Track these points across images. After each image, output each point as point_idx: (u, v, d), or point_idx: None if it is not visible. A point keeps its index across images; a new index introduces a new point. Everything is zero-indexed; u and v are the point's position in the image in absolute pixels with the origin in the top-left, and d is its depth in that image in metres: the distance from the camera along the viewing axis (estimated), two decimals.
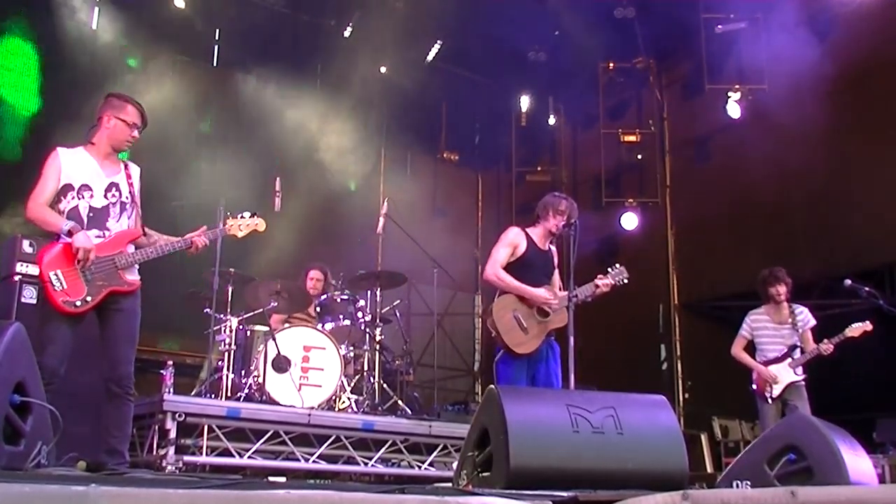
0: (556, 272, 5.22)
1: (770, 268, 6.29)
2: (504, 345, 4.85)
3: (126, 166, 4.24)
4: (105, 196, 4.10)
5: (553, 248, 5.24)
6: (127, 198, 4.17)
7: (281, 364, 5.84)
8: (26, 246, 4.84)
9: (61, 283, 3.86)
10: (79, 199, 4.03)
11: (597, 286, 5.00)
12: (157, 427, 5.05)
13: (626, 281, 5.11)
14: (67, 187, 4.02)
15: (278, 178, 6.09)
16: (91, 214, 4.04)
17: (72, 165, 4.05)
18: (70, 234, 3.89)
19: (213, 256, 5.80)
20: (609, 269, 5.11)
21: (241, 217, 4.57)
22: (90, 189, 4.06)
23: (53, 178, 4.00)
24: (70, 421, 3.30)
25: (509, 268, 5.00)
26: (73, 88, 7.91)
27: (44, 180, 4.00)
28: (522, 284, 4.91)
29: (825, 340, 6.02)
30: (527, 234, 5.11)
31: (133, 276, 4.11)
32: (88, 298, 3.91)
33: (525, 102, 11.13)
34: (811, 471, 3.35)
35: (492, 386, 3.06)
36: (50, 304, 3.85)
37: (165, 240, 4.26)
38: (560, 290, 5.09)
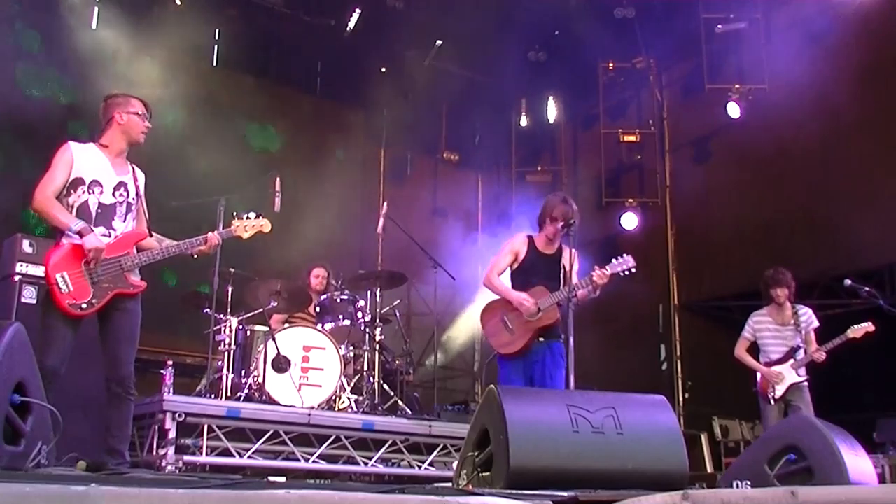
0: (574, 269, 5.01)
1: (775, 268, 6.27)
2: (493, 347, 5.02)
3: (134, 169, 4.25)
4: (113, 194, 4.10)
5: (565, 246, 5.13)
6: (133, 199, 4.18)
7: (281, 364, 5.84)
8: (26, 246, 4.85)
9: (67, 286, 3.85)
10: (89, 194, 4.02)
11: (592, 279, 4.88)
12: (157, 427, 5.05)
13: (632, 270, 4.91)
14: (78, 181, 4.01)
15: (278, 178, 6.09)
16: (100, 211, 4.04)
17: (83, 160, 4.05)
18: (80, 234, 3.89)
19: (214, 256, 5.80)
20: (613, 259, 4.95)
21: (247, 218, 4.56)
22: (100, 185, 4.06)
23: (63, 171, 3.99)
24: (70, 421, 3.31)
25: (512, 274, 5.12)
26: (72, 88, 7.93)
27: (53, 171, 3.99)
28: (507, 289, 5.05)
29: (817, 348, 6.02)
30: (530, 241, 5.17)
31: (137, 278, 4.12)
32: (94, 301, 3.90)
33: (525, 102, 11.12)
34: (811, 471, 3.35)
35: (492, 386, 3.06)
36: (55, 306, 3.84)
37: (170, 242, 4.26)
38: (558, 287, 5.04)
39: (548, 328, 4.99)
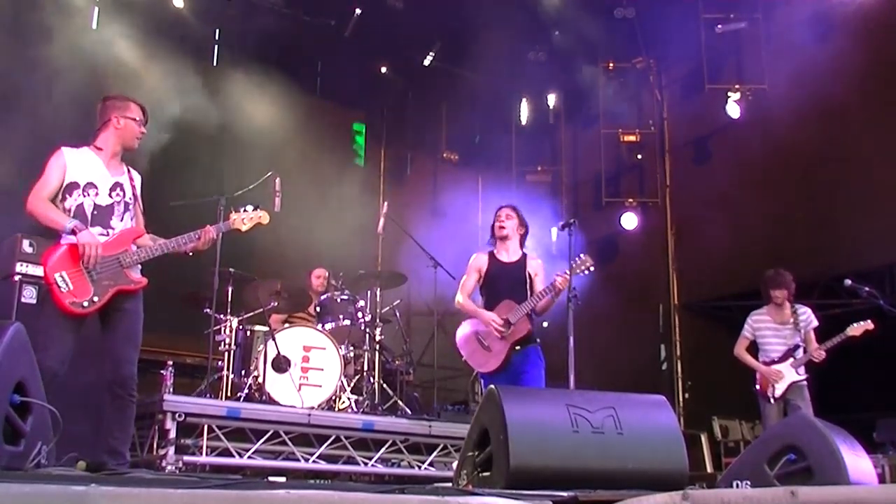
0: (539, 277, 5.18)
1: (775, 269, 6.28)
2: (472, 367, 5.13)
3: (129, 170, 4.24)
4: (110, 195, 4.09)
5: (530, 253, 5.30)
6: (130, 198, 4.17)
7: (281, 364, 5.84)
8: (26, 246, 4.84)
9: (67, 285, 3.84)
10: (84, 196, 4.02)
11: (555, 285, 4.94)
12: (157, 427, 5.05)
13: (591, 268, 4.99)
14: (73, 185, 4.01)
15: (278, 178, 6.09)
16: (95, 212, 4.03)
17: (77, 164, 4.04)
18: (74, 232, 3.88)
19: (214, 256, 5.80)
20: (571, 262, 4.98)
21: (245, 210, 4.54)
22: (95, 187, 4.05)
23: (57, 175, 3.99)
24: (70, 421, 3.30)
25: (480, 289, 5.25)
26: (73, 88, 7.91)
27: (47, 176, 3.98)
28: (476, 309, 5.16)
29: (816, 346, 6.03)
30: (490, 255, 5.30)
31: (138, 275, 4.11)
32: (95, 299, 3.90)
33: (525, 102, 11.13)
34: (811, 471, 3.35)
35: (492, 386, 3.06)
36: (57, 306, 3.83)
37: (171, 239, 4.26)
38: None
39: (522, 339, 5.04)
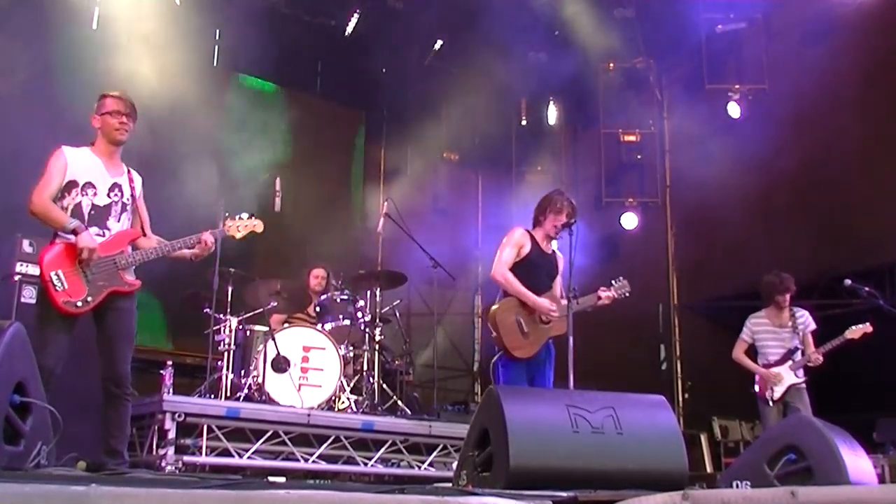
0: (559, 278, 5.14)
1: (778, 273, 6.25)
2: (503, 347, 4.87)
3: (129, 171, 4.27)
4: (108, 195, 4.12)
5: (558, 252, 5.20)
6: (128, 199, 4.19)
7: (280, 364, 5.84)
8: (26, 246, 4.86)
9: (62, 284, 3.86)
10: (82, 195, 4.04)
11: (599, 297, 4.99)
12: (156, 427, 5.05)
13: (627, 294, 5.10)
14: (72, 184, 4.03)
15: (278, 179, 6.09)
16: (93, 212, 4.06)
17: (77, 163, 4.07)
18: (75, 232, 3.89)
19: (213, 256, 5.80)
20: (612, 282, 5.09)
21: (240, 218, 4.57)
22: (94, 187, 4.08)
23: (58, 174, 4.01)
24: (70, 421, 3.30)
25: (514, 268, 4.99)
26: (73, 88, 7.91)
27: (48, 175, 4.00)
28: (527, 291, 4.89)
29: (814, 350, 6.03)
30: (531, 236, 5.10)
31: (132, 277, 4.12)
32: (89, 299, 3.91)
33: (525, 102, 11.12)
34: (811, 471, 3.35)
35: (492, 386, 3.07)
36: (51, 304, 3.84)
37: (166, 242, 4.27)
38: (561, 297, 5.03)
39: (555, 337, 4.99)
